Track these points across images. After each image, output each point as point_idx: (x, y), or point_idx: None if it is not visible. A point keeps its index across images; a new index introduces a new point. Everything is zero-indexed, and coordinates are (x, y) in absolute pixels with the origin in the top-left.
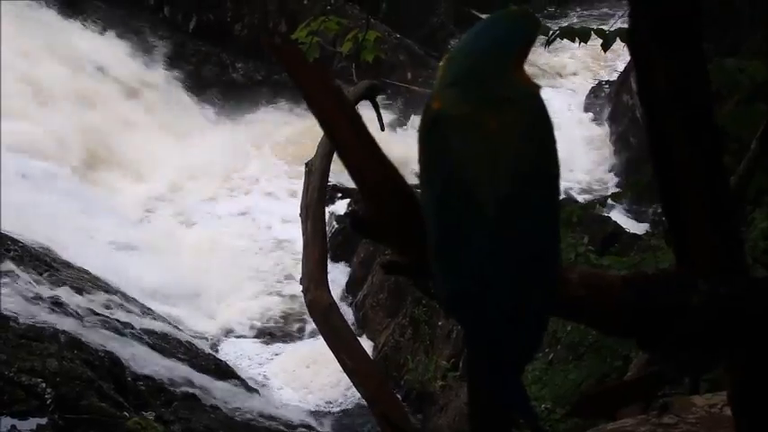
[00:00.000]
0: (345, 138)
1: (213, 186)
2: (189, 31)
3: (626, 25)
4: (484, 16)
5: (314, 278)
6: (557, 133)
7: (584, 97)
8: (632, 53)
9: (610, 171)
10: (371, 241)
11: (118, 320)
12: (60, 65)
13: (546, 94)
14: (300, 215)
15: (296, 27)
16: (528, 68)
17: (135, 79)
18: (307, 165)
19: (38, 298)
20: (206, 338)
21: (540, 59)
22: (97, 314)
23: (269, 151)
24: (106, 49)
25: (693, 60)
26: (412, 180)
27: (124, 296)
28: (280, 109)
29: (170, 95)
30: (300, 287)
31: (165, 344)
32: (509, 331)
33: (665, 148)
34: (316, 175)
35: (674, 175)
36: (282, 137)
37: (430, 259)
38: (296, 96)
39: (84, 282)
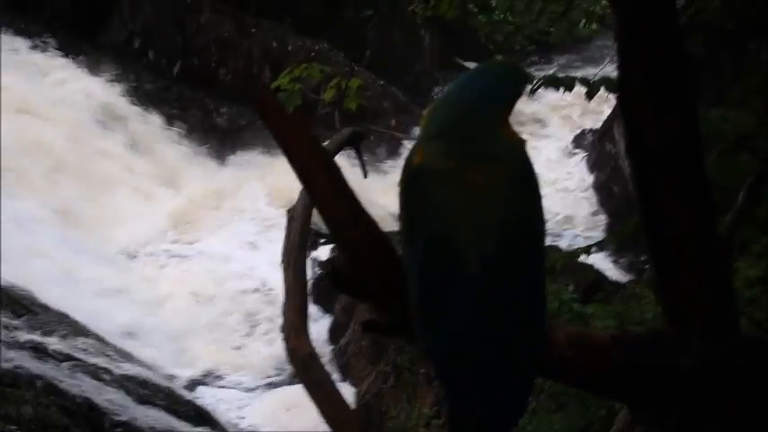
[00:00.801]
0: (322, 190)
1: (195, 230)
2: (173, 75)
3: (610, 73)
4: (468, 64)
5: (294, 326)
6: (541, 181)
7: (568, 144)
8: (621, 106)
9: (593, 217)
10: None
11: (96, 365)
12: (43, 105)
13: (529, 143)
14: (282, 262)
15: (280, 73)
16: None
17: (118, 122)
18: (289, 211)
19: (15, 342)
20: (186, 383)
21: (522, 108)
22: (75, 359)
23: (252, 196)
24: (91, 91)
25: (686, 114)
26: (396, 227)
27: (103, 341)
28: (263, 154)
29: (153, 139)
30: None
31: (143, 389)
32: (494, 395)
33: (654, 203)
34: (297, 222)
35: (664, 230)
36: (266, 182)
37: (412, 317)
38: None
39: (64, 325)
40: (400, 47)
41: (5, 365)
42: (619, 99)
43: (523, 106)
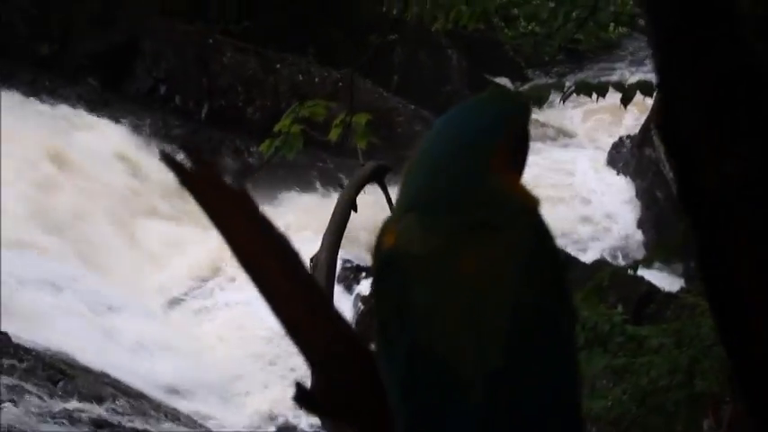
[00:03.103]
0: (276, 285)
1: (235, 272)
2: (201, 118)
3: (646, 77)
4: (498, 80)
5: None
6: (583, 190)
7: (607, 154)
8: (665, 140)
9: (638, 228)
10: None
11: (135, 429)
12: (75, 158)
13: (567, 154)
14: None
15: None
16: (539, 130)
17: (149, 168)
18: (311, 260)
19: (48, 413)
20: None
21: (550, 119)
22: (112, 425)
23: (291, 236)
24: (119, 139)
25: (756, 148)
26: None
27: (145, 398)
28: (299, 192)
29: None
30: None
31: None
32: None
33: (721, 268)
34: (321, 269)
35: (735, 308)
36: (302, 221)
37: None
38: (314, 179)
39: (102, 386)
40: (427, 68)
41: None
42: (662, 130)
43: (551, 117)
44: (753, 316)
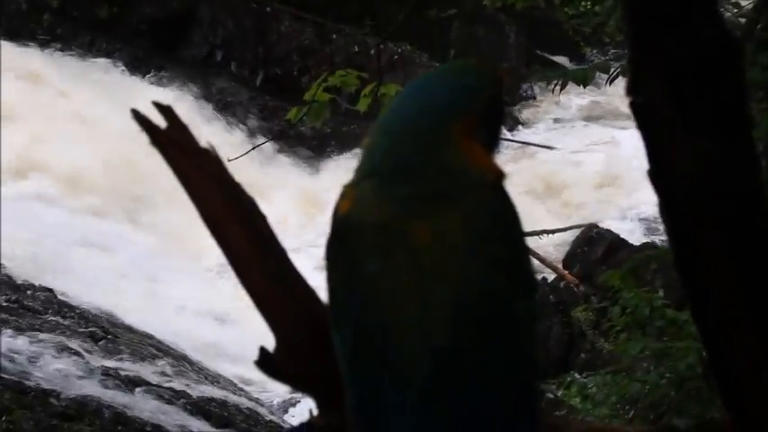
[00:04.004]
0: (240, 250)
1: (290, 240)
2: (256, 86)
3: None
4: (557, 58)
5: None
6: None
7: None
8: (637, 117)
9: None
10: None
11: (172, 389)
12: (125, 121)
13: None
14: None
15: (366, 80)
16: (595, 110)
17: (203, 135)
18: None
19: (86, 369)
20: (277, 406)
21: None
22: (150, 384)
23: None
24: (173, 105)
25: (733, 127)
26: None
27: (186, 361)
28: (350, 161)
29: (239, 150)
30: None
31: (223, 412)
32: None
33: (691, 254)
34: None
35: (707, 298)
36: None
37: (349, 425)
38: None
39: (145, 347)
40: (485, 45)
41: (72, 395)
42: (632, 107)
43: (601, 99)
44: (722, 308)
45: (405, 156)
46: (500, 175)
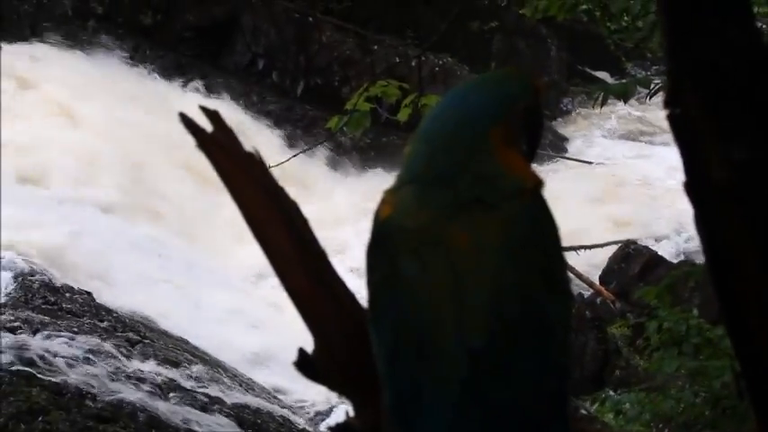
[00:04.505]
0: (282, 252)
1: (327, 246)
2: (297, 95)
3: None
4: (598, 74)
5: None
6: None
7: None
8: (673, 128)
9: None
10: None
11: (207, 395)
12: (167, 128)
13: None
14: None
15: (406, 91)
16: (635, 126)
17: (247, 142)
18: None
19: (122, 373)
20: (308, 410)
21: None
22: (185, 389)
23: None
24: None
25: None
26: None
27: (222, 368)
28: (389, 170)
29: (278, 158)
30: None
31: (257, 419)
32: None
33: (727, 265)
34: None
35: (745, 312)
36: None
37: (385, 424)
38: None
39: (180, 352)
40: (526, 58)
41: (107, 397)
42: (670, 119)
43: (641, 114)
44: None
45: (444, 163)
46: (538, 183)
